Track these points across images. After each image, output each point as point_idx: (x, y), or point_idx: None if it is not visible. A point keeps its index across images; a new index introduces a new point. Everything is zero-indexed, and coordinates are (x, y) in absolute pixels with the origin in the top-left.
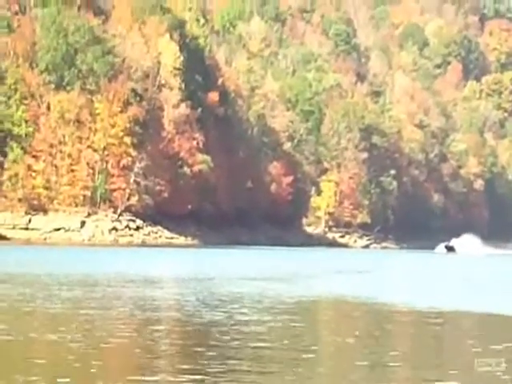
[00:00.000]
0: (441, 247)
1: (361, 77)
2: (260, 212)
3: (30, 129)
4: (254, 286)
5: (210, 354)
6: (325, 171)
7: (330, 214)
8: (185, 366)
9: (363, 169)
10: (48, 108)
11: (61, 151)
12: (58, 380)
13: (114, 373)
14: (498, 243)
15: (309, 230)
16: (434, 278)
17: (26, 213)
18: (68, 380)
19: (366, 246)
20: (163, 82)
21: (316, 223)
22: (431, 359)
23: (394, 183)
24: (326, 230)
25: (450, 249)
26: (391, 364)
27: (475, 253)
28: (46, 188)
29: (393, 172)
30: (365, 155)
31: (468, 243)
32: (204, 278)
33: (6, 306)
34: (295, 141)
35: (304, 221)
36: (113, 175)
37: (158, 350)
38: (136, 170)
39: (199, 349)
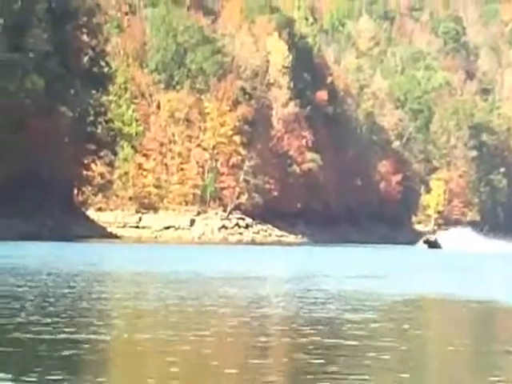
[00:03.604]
0: (421, 242)
1: (470, 75)
2: (369, 210)
3: (141, 128)
4: (364, 285)
5: (324, 352)
6: (434, 170)
7: (439, 212)
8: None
9: (473, 167)
10: (158, 107)
11: (171, 150)
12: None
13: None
14: None
15: (418, 228)
16: None
17: (137, 211)
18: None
19: None
20: (272, 80)
21: (425, 221)
22: None
23: (504, 181)
24: (436, 228)
25: (432, 244)
26: None
27: (471, 249)
28: (157, 187)
29: (502, 170)
30: (474, 153)
31: (460, 238)
32: (314, 276)
33: (128, 305)
34: (404, 139)
35: (413, 219)
36: (222, 174)
37: (280, 350)
38: (245, 168)
39: (312, 349)
